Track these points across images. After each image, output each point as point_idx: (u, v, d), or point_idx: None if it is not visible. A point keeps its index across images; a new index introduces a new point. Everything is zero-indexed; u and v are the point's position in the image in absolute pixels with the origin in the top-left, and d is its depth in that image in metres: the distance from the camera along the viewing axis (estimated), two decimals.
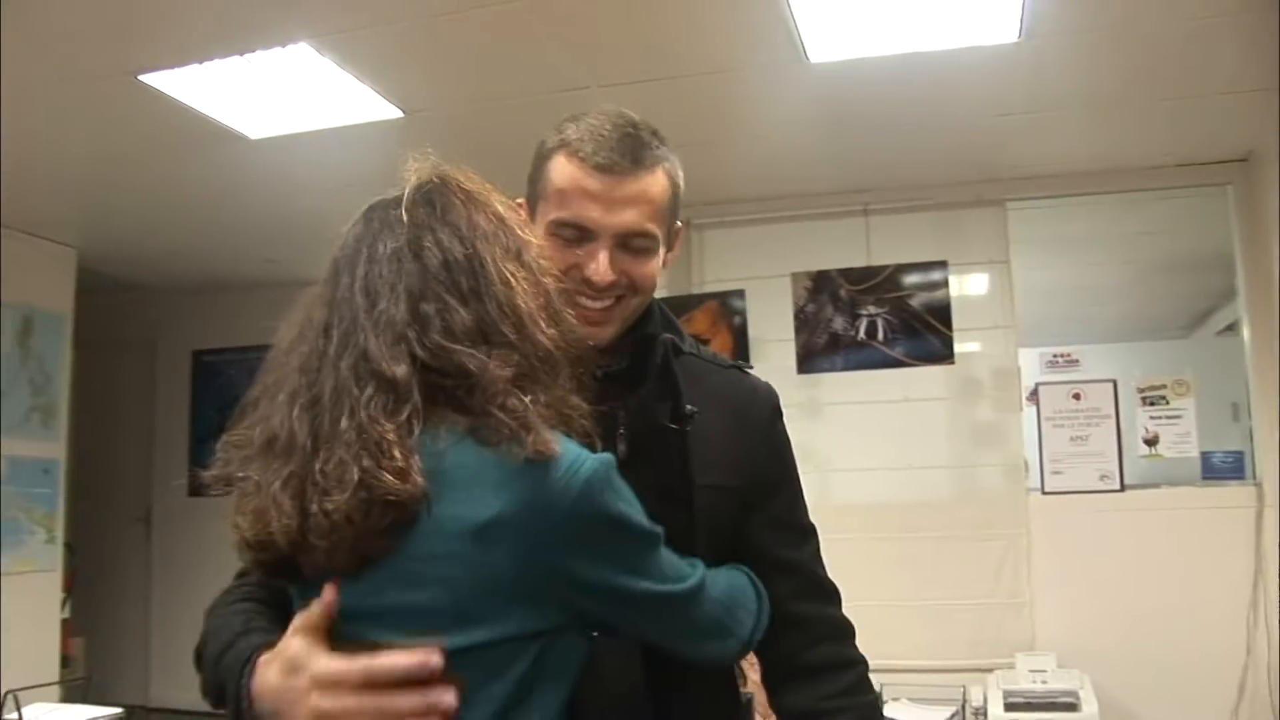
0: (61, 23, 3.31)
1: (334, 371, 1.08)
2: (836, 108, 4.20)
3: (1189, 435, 4.76)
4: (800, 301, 5.21)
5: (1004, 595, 4.74)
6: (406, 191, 1.17)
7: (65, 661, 5.68)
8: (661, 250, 1.36)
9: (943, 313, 5.03)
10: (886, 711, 4.14)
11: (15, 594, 5.17)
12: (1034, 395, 5.01)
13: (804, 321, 5.20)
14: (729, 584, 1.26)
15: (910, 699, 4.38)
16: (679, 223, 1.40)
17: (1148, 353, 6.56)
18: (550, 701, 1.09)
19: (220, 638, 1.17)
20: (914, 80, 3.90)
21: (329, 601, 1.05)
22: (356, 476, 1.01)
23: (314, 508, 1.02)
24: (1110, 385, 4.87)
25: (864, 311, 5.12)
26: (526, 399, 1.06)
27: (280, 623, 1.12)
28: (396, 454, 1.01)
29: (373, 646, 1.03)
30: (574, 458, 1.05)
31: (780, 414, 1.47)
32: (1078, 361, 5.17)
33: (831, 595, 1.43)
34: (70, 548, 5.90)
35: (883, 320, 5.09)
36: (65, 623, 5.74)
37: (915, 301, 5.06)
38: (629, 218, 1.29)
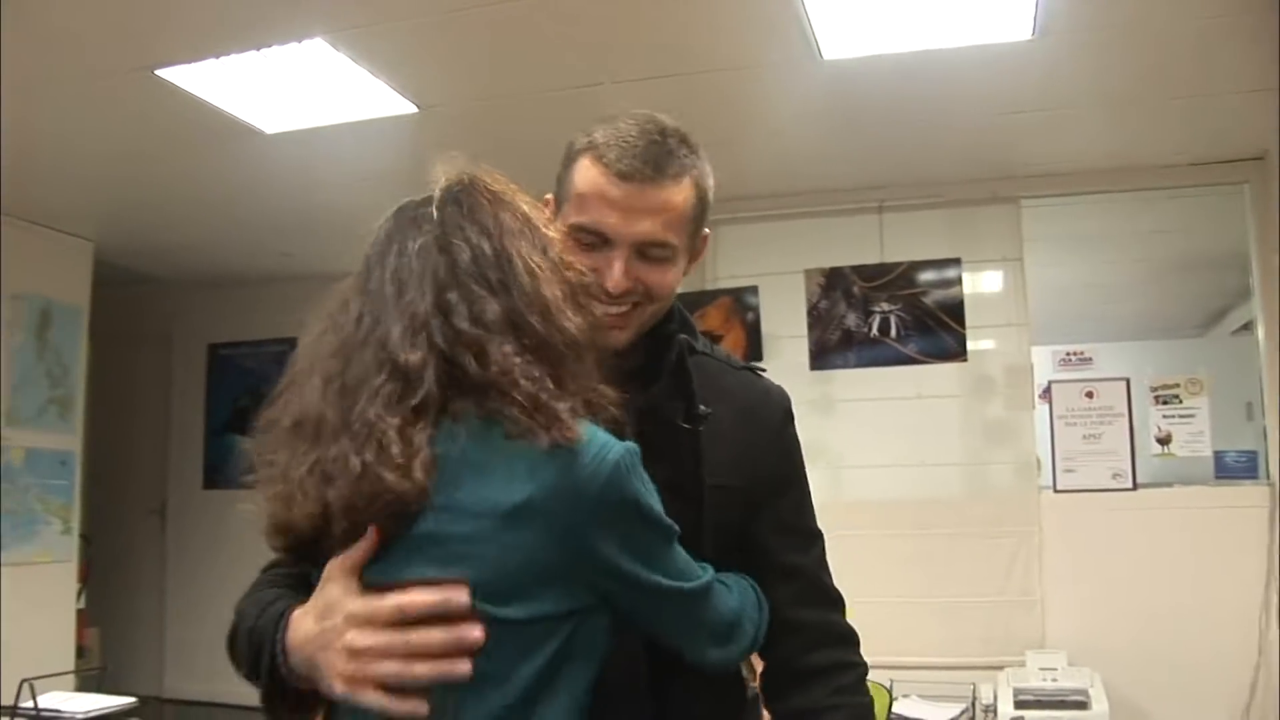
0: (79, 18, 3.34)
1: (360, 358, 1.12)
2: (850, 105, 4.20)
3: (1202, 434, 4.75)
4: (813, 298, 5.21)
5: (1015, 593, 4.74)
6: (436, 191, 1.20)
7: (80, 652, 5.72)
8: (682, 259, 1.36)
9: (956, 310, 5.02)
10: (896, 708, 4.15)
11: (31, 584, 5.21)
12: (1047, 393, 5.00)
13: (817, 318, 5.20)
14: (739, 593, 1.28)
15: (920, 696, 4.38)
16: (705, 230, 1.39)
17: (1162, 351, 6.54)
18: (579, 680, 1.12)
19: (251, 613, 1.20)
20: (928, 78, 3.89)
21: (368, 542, 1.08)
22: (358, 469, 1.05)
23: (328, 494, 1.07)
24: (1123, 384, 4.86)
25: (877, 308, 5.11)
26: (551, 386, 1.09)
27: None
28: (396, 449, 1.04)
29: (404, 586, 1.06)
30: (602, 444, 1.08)
31: (791, 417, 1.46)
32: (1091, 360, 5.15)
33: (835, 602, 1.43)
34: (86, 539, 5.94)
35: (896, 317, 5.09)
36: (80, 613, 5.78)
37: (928, 299, 5.06)
38: (647, 227, 1.29)
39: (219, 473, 7.03)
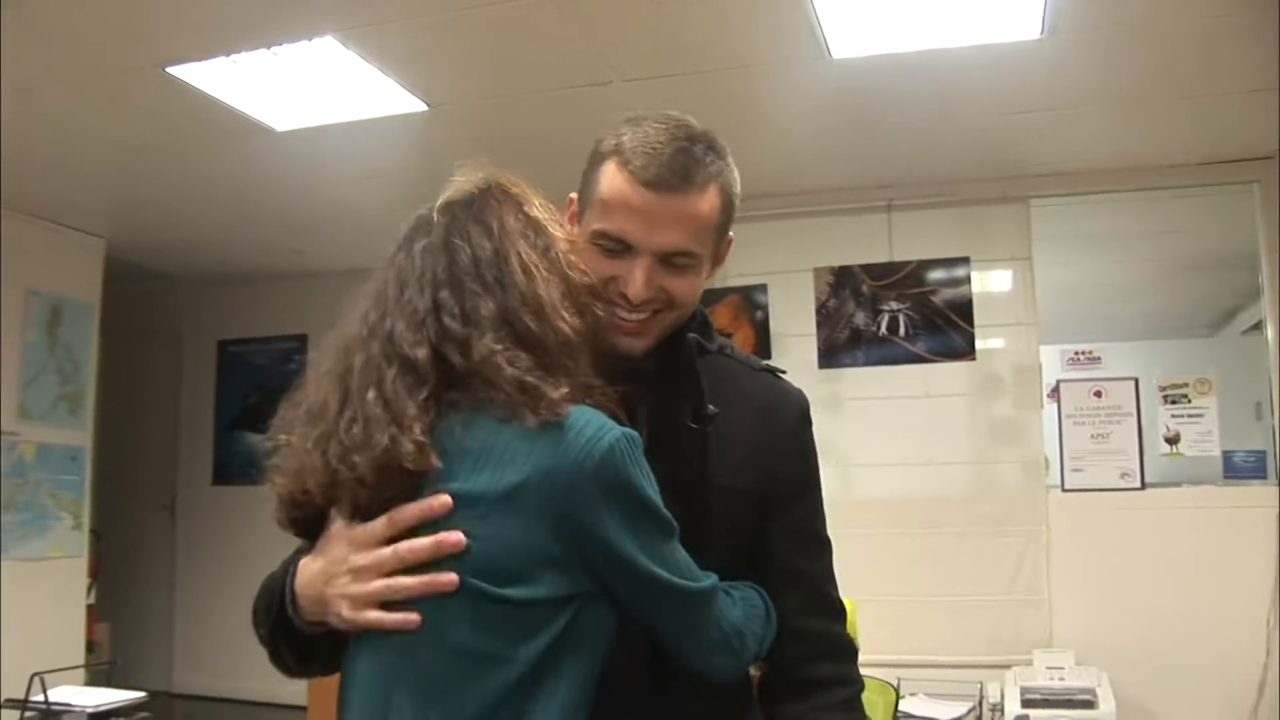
0: (90, 17, 3.35)
1: (365, 351, 1.17)
2: (859, 104, 4.20)
3: (1211, 434, 4.74)
4: (822, 296, 5.22)
5: (1023, 592, 4.74)
6: (449, 195, 1.24)
7: (90, 646, 5.75)
8: (706, 265, 1.35)
9: (964, 309, 5.02)
10: (903, 706, 4.15)
11: (42, 579, 5.24)
12: (1055, 392, 5.01)
13: (826, 316, 5.20)
14: (743, 605, 1.28)
15: (927, 694, 4.38)
16: (730, 234, 1.38)
17: (1171, 351, 6.54)
18: (580, 672, 1.13)
19: (268, 580, 1.27)
20: (937, 77, 3.89)
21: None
22: (385, 442, 1.10)
23: (337, 464, 1.12)
24: (1132, 383, 4.85)
25: (885, 307, 5.12)
26: (540, 372, 1.12)
27: None
28: (417, 429, 1.10)
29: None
30: (599, 425, 1.11)
31: (809, 422, 1.44)
32: (1099, 359, 5.15)
33: (839, 614, 1.42)
34: (96, 534, 5.97)
35: (904, 316, 5.09)
36: (90, 608, 5.81)
37: (937, 297, 5.06)
38: (671, 238, 1.27)
39: (228, 468, 7.06)
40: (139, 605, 6.96)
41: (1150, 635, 4.51)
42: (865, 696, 1.43)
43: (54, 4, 3.25)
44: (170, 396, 7.38)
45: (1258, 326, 5.30)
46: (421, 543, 1.10)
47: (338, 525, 1.16)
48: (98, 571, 6.15)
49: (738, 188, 1.35)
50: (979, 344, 5.00)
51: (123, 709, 4.11)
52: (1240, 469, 4.78)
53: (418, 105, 4.07)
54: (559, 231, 1.24)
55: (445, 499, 1.09)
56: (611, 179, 1.28)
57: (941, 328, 5.03)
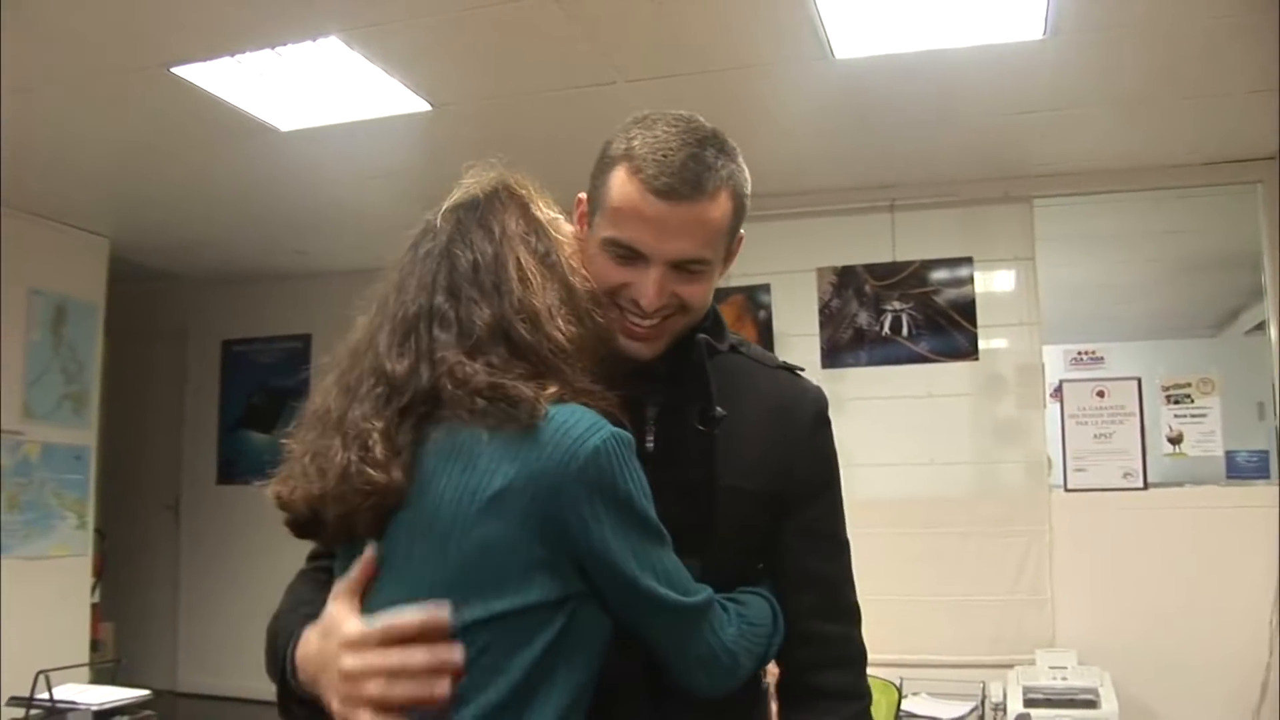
0: (94, 17, 3.36)
1: (360, 361, 1.18)
2: (862, 104, 4.20)
3: (1213, 434, 4.74)
4: (825, 296, 5.22)
5: (1025, 592, 4.74)
6: (456, 198, 1.24)
7: (95, 645, 5.76)
8: (718, 267, 1.33)
9: (967, 309, 5.03)
10: (906, 706, 4.16)
11: (47, 578, 5.25)
12: (1058, 392, 5.00)
13: (829, 316, 5.21)
14: (741, 621, 1.24)
15: (930, 694, 4.39)
16: (740, 232, 1.36)
17: (1174, 351, 6.53)
18: (576, 677, 1.12)
19: (283, 614, 1.26)
20: (940, 77, 3.90)
21: (366, 565, 1.14)
22: (340, 466, 1.10)
23: (315, 476, 1.14)
24: (1135, 383, 4.85)
25: (888, 307, 5.12)
26: (524, 385, 1.10)
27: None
28: (379, 450, 1.09)
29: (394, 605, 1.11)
30: (589, 425, 1.09)
31: (827, 421, 1.41)
32: (1102, 359, 5.15)
33: (853, 617, 1.39)
34: (100, 533, 5.99)
35: (907, 316, 5.09)
36: (95, 607, 5.82)
37: (940, 297, 5.06)
38: (683, 246, 1.25)
39: (232, 468, 7.07)
40: (143, 604, 6.96)
41: (1153, 635, 4.51)
42: None
43: (55, 4, 3.26)
44: (174, 396, 7.38)
45: (1261, 326, 5.31)
46: (419, 658, 1.07)
47: (334, 608, 1.14)
48: (102, 571, 6.17)
49: (748, 187, 1.33)
50: (982, 344, 5.00)
51: (127, 707, 4.12)
52: (1243, 469, 4.78)
53: (421, 105, 4.08)
54: (564, 233, 1.24)
55: (456, 656, 1.07)
56: (623, 187, 1.25)
57: (944, 328, 5.03)
